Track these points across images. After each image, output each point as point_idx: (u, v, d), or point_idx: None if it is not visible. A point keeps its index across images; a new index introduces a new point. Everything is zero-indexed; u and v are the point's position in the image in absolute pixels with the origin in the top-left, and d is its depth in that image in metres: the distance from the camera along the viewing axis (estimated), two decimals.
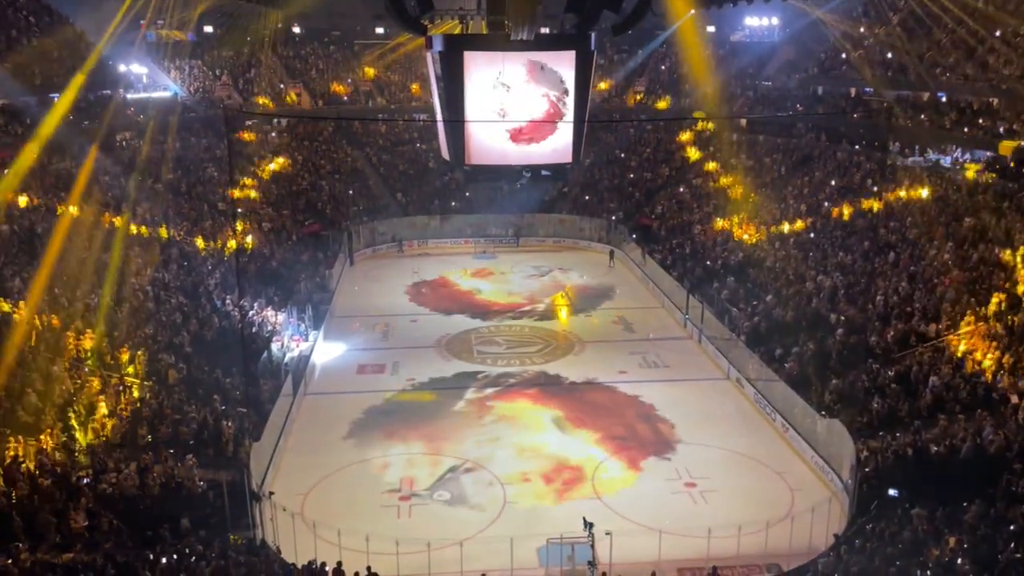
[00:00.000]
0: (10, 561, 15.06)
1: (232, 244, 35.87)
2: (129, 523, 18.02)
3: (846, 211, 37.10)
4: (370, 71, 60.80)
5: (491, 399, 28.55)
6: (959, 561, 16.16)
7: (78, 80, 39.45)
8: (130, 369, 24.68)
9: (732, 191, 44.81)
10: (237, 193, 42.75)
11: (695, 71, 55.17)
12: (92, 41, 44.42)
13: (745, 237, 39.34)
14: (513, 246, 49.62)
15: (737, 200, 43.39)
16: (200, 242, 36.39)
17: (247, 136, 52.49)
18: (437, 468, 23.81)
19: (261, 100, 53.97)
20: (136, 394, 23.61)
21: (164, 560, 16.53)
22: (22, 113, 37.25)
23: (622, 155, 55.71)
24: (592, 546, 18.11)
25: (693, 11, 48.03)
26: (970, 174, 34.73)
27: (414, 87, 60.02)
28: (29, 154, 33.82)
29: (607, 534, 18.30)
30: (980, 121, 37.75)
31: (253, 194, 45.47)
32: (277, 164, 50.43)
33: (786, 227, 38.34)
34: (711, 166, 49.41)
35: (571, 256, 48.29)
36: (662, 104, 57.38)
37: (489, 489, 22.64)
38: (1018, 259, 27.08)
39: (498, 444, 25.20)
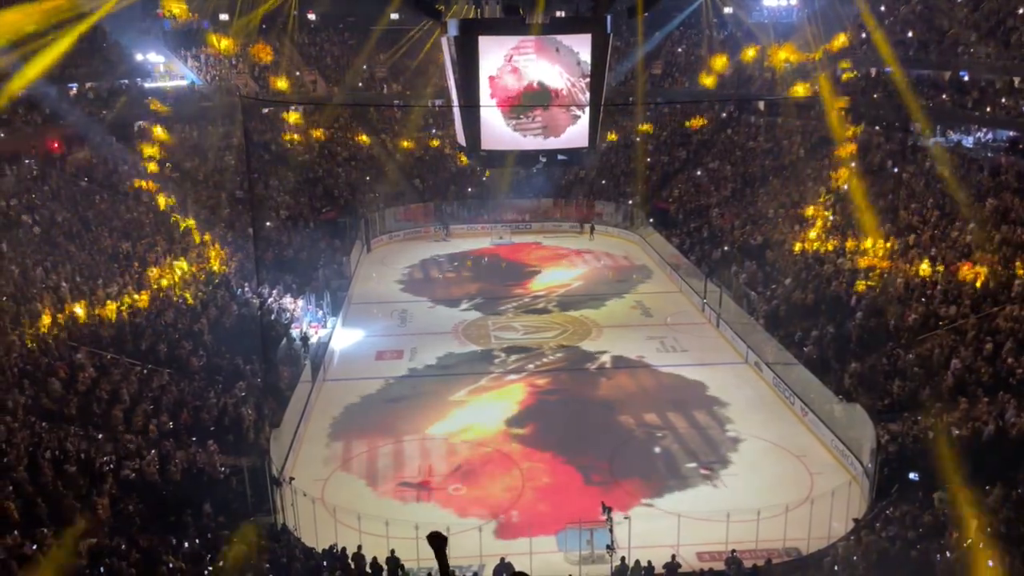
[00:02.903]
0: (36, 546, 15.26)
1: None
2: (152, 508, 18.23)
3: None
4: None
5: (508, 384, 28.60)
6: (980, 545, 16.07)
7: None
8: None
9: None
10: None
11: None
12: (107, 30, 44.47)
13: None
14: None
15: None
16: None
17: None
18: (456, 456, 23.92)
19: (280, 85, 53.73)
20: None
21: (186, 545, 16.73)
22: (40, 103, 37.46)
23: (638, 139, 55.36)
24: (611, 530, 18.13)
25: None
26: None
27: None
28: None
29: (625, 518, 18.34)
30: (1003, 100, 37.12)
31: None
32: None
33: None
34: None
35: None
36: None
37: (509, 476, 22.71)
38: None
39: (513, 429, 25.28)
